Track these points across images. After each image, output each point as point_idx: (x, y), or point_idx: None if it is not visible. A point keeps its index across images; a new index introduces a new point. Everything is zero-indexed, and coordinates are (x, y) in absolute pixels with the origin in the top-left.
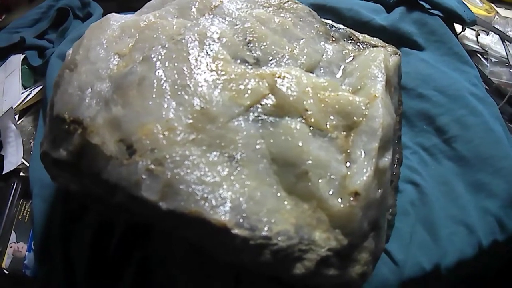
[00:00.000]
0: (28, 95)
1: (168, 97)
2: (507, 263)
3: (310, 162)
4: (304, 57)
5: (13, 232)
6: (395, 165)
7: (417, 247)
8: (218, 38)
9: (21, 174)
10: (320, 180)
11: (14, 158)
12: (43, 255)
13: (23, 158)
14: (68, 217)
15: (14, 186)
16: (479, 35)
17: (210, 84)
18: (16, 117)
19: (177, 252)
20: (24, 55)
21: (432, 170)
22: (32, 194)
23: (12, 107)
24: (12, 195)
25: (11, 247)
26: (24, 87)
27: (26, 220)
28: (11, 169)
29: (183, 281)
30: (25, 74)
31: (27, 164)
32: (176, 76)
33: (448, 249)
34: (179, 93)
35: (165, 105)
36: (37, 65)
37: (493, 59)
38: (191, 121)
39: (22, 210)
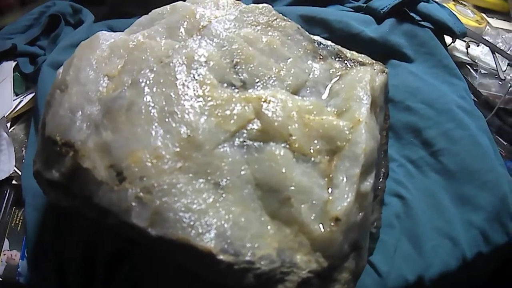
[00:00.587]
0: (20, 102)
1: (156, 124)
2: (492, 273)
3: (293, 188)
4: (291, 78)
5: (6, 239)
6: (381, 179)
7: (401, 259)
8: (205, 62)
9: (14, 182)
10: (302, 206)
11: (6, 166)
12: (36, 263)
13: (15, 166)
14: (60, 226)
15: (7, 194)
16: (469, 46)
17: (197, 111)
18: (8, 125)
19: (166, 266)
20: (15, 62)
21: (418, 183)
22: (24, 203)
23: (4, 115)
24: (4, 203)
25: (4, 254)
26: (16, 94)
27: (19, 228)
28: (3, 178)
29: None
30: (16, 81)
31: (19, 173)
32: (163, 102)
33: (432, 261)
34: (167, 120)
35: (153, 133)
36: (28, 72)
37: (483, 71)
38: (178, 149)
39: (15, 218)
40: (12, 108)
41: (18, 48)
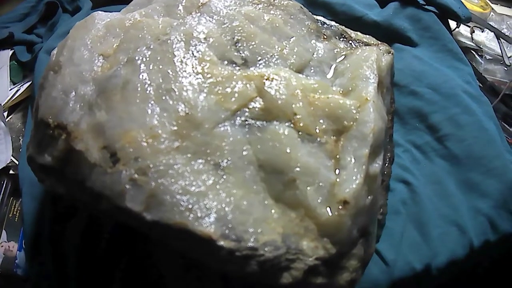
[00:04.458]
0: (17, 91)
1: (152, 102)
2: (496, 261)
3: (298, 169)
4: (294, 56)
5: (3, 231)
6: (387, 164)
7: (408, 247)
8: (205, 38)
9: (11, 172)
10: (308, 188)
11: (3, 156)
12: (34, 254)
13: (12, 155)
14: (58, 215)
15: (4, 185)
16: (473, 31)
17: (196, 88)
18: (5, 114)
19: (166, 252)
20: (12, 51)
21: (424, 169)
22: (21, 193)
23: (0, 104)
24: (2, 193)
25: (2, 246)
26: (13, 82)
27: (16, 218)
28: (0, 168)
29: (173, 281)
30: (13, 69)
31: (17, 162)
32: (160, 79)
33: (439, 249)
34: (164, 98)
35: (149, 111)
36: (25, 61)
37: (488, 56)
38: (175, 128)
39: (12, 209)
40: (9, 97)
41: (15, 36)
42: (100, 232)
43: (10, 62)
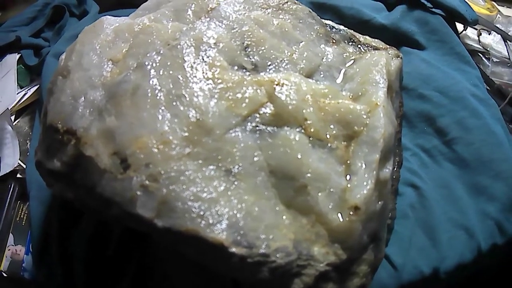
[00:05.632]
0: (24, 95)
1: (163, 108)
2: (504, 265)
3: (309, 175)
4: (304, 61)
5: (11, 234)
6: (395, 168)
7: (416, 251)
8: (215, 43)
9: (18, 175)
10: (319, 194)
11: (10, 160)
12: (41, 257)
13: (19, 159)
14: (65, 219)
15: (11, 188)
16: (481, 34)
17: (206, 94)
18: (12, 117)
19: (176, 258)
20: (19, 55)
21: (432, 173)
22: (29, 196)
23: (8, 108)
24: (9, 197)
25: (9, 249)
26: (20, 86)
27: (23, 222)
28: (7, 171)
29: (182, 283)
30: (21, 73)
31: (24, 166)
32: (171, 85)
33: (447, 253)
34: (174, 103)
35: (160, 117)
36: (33, 64)
37: (495, 59)
38: (186, 134)
39: (20, 212)
40: (16, 101)
41: (22, 40)
42: (108, 236)
43: (17, 66)
